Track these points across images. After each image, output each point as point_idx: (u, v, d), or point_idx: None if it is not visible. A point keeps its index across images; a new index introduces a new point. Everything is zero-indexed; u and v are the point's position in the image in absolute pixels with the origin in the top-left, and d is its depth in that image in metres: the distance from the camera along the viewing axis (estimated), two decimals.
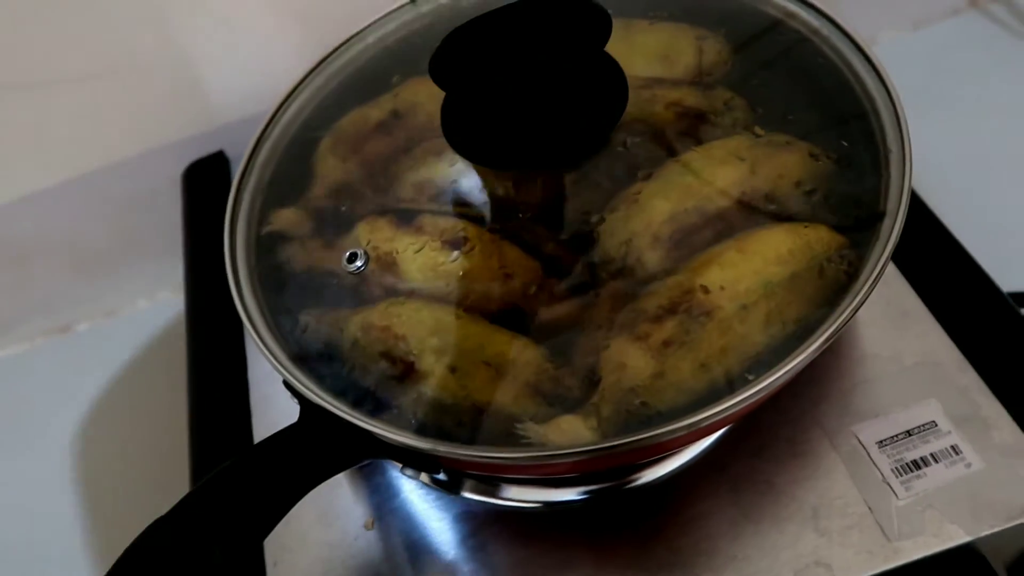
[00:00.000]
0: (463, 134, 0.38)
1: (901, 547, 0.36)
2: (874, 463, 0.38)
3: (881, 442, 0.38)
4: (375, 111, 0.45)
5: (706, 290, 0.34)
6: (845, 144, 0.38)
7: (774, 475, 0.38)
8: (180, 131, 0.58)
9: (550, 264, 0.37)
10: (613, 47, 0.37)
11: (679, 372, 0.34)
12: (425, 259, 0.38)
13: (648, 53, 0.43)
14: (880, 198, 0.35)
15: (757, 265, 0.35)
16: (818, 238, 0.35)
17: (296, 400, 0.36)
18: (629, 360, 0.34)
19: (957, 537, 0.36)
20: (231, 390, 0.47)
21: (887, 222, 0.34)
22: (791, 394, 0.40)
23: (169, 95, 0.57)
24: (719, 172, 0.38)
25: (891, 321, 0.42)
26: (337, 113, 0.45)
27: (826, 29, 0.41)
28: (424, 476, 0.39)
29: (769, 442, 0.39)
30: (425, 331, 0.36)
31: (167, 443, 0.58)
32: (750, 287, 0.34)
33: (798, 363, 0.31)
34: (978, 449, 0.38)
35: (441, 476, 0.39)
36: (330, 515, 0.40)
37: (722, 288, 0.35)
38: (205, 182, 0.59)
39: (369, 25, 0.47)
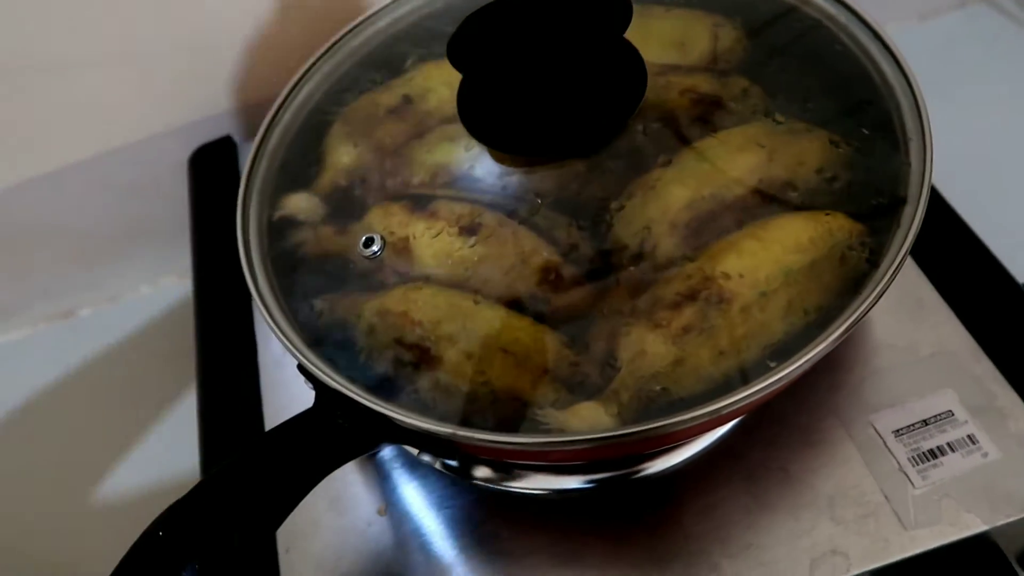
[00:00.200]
0: (480, 118, 0.38)
1: (918, 536, 0.36)
2: (891, 452, 0.38)
3: (898, 431, 0.38)
4: (387, 96, 0.44)
5: (725, 277, 0.34)
6: (864, 131, 0.37)
7: (789, 463, 0.38)
8: (187, 115, 0.58)
9: (567, 250, 0.37)
10: (629, 32, 0.37)
11: (698, 359, 0.33)
12: (440, 245, 0.38)
13: (663, 39, 0.43)
14: (900, 185, 0.35)
15: (776, 253, 0.35)
16: (838, 226, 0.35)
17: (311, 385, 0.35)
18: (648, 347, 0.34)
19: (974, 526, 0.36)
20: (241, 375, 0.46)
21: (908, 208, 0.34)
22: (806, 383, 0.40)
23: (176, 79, 0.56)
24: (737, 159, 0.37)
25: (906, 311, 0.42)
26: (348, 98, 0.45)
27: (842, 16, 0.41)
28: (438, 462, 0.39)
29: (784, 430, 0.39)
30: (442, 317, 0.36)
31: (171, 428, 0.58)
32: (769, 275, 0.34)
33: (822, 349, 0.31)
34: (994, 439, 0.38)
35: (453, 462, 0.39)
36: (343, 501, 0.40)
37: (741, 276, 0.34)
38: (212, 167, 0.59)
39: (380, 9, 0.47)
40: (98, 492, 0.56)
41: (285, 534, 0.40)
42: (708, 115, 0.39)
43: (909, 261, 0.44)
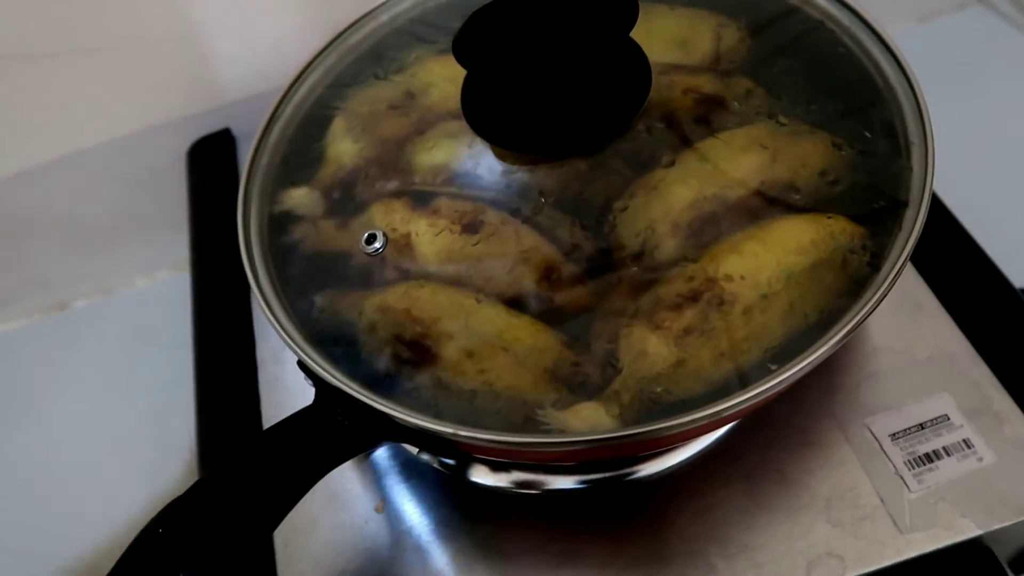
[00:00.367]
0: (483, 115, 0.38)
1: (913, 539, 0.36)
2: (887, 455, 0.38)
3: (894, 435, 0.38)
4: (389, 91, 0.44)
5: (727, 279, 0.34)
6: (867, 134, 0.38)
7: (786, 465, 0.38)
8: (186, 107, 0.58)
9: (568, 250, 0.37)
10: (632, 30, 0.37)
11: (699, 360, 0.34)
12: (442, 242, 0.38)
13: (666, 38, 0.43)
14: (902, 189, 0.35)
15: (778, 255, 0.35)
16: (840, 229, 0.35)
17: (311, 382, 0.35)
18: (649, 348, 0.34)
19: (969, 531, 0.36)
20: (239, 371, 0.46)
21: (909, 212, 0.34)
22: (804, 385, 0.40)
23: (176, 70, 0.56)
24: (740, 160, 0.37)
25: (904, 315, 0.42)
26: (350, 92, 0.44)
27: (845, 17, 0.41)
28: (436, 460, 0.39)
29: (781, 433, 0.39)
30: (443, 315, 0.36)
31: (164, 422, 0.57)
32: (771, 277, 0.34)
33: (823, 352, 0.31)
34: (990, 443, 0.38)
35: (450, 461, 0.39)
36: (340, 498, 0.40)
37: (743, 277, 0.34)
38: (211, 159, 0.58)
39: (382, 3, 0.47)
40: (90, 487, 0.55)
41: (283, 531, 0.39)
42: (711, 115, 0.39)
43: (908, 265, 0.44)
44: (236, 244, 0.52)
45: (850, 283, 0.34)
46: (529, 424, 0.33)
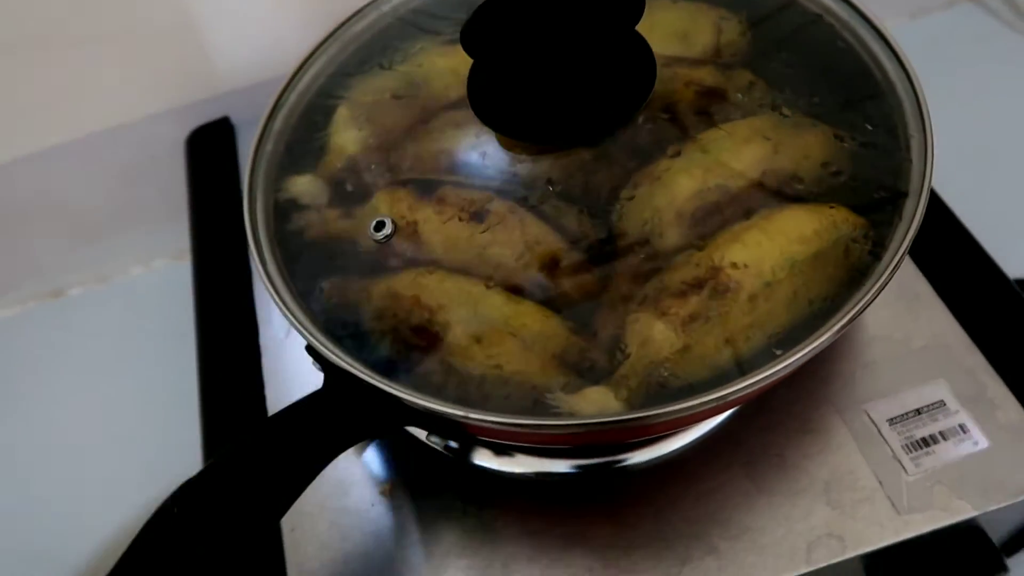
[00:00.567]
0: (489, 104, 0.38)
1: (911, 520, 0.37)
2: (885, 440, 0.39)
3: (891, 420, 0.39)
4: (392, 81, 0.44)
5: (731, 267, 0.35)
6: (867, 127, 0.38)
7: (786, 450, 0.39)
8: (184, 96, 0.57)
9: (574, 238, 0.37)
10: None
11: (704, 346, 0.34)
12: (449, 231, 0.38)
13: (667, 31, 0.44)
14: (901, 180, 0.36)
15: (781, 244, 0.36)
16: (842, 219, 0.36)
17: (320, 367, 0.35)
18: (656, 334, 0.34)
19: (965, 512, 0.37)
20: (243, 357, 0.46)
21: (910, 202, 0.35)
22: (803, 373, 0.41)
23: (175, 58, 0.56)
24: (743, 151, 0.38)
25: (902, 304, 0.43)
26: (354, 81, 0.45)
27: (843, 11, 0.42)
28: (443, 444, 0.39)
29: (781, 418, 0.40)
30: (451, 301, 0.36)
31: (161, 410, 0.57)
32: (774, 265, 0.35)
33: (828, 338, 0.32)
34: (985, 429, 0.39)
35: (455, 444, 0.39)
36: (346, 482, 0.41)
37: (746, 265, 0.35)
38: (210, 147, 0.58)
39: None
40: (84, 476, 0.55)
41: (290, 514, 0.39)
42: (713, 107, 0.40)
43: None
44: (237, 232, 0.52)
45: (852, 271, 0.35)
46: (538, 407, 0.33)
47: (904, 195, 0.36)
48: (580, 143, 0.38)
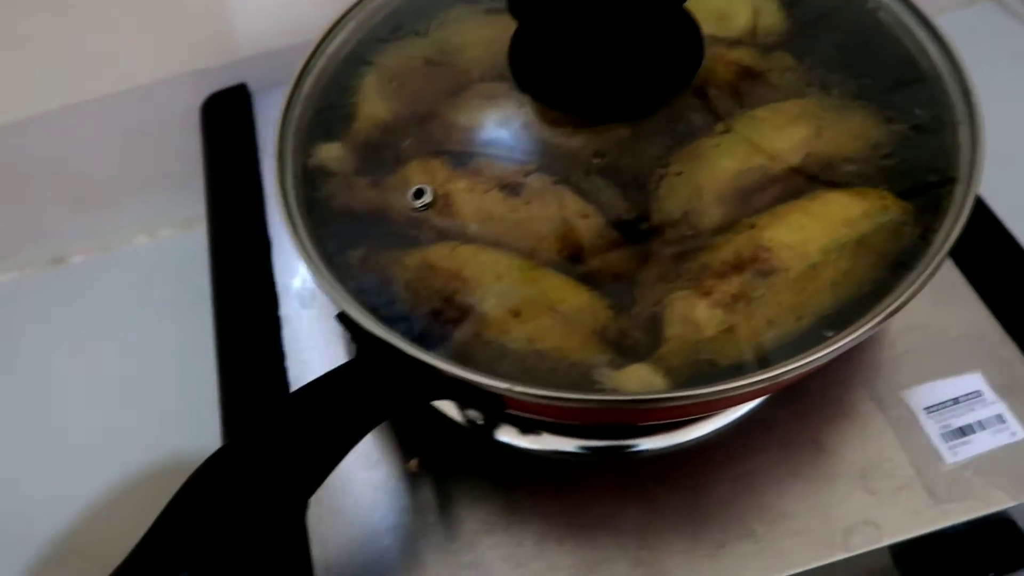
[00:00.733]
0: (532, 72, 0.37)
1: (948, 510, 0.36)
2: (922, 428, 0.38)
3: (929, 408, 0.39)
4: (425, 48, 0.43)
5: (775, 248, 0.34)
6: (915, 111, 0.38)
7: (822, 435, 0.39)
8: (200, 60, 0.56)
9: (613, 215, 0.36)
10: None
11: (747, 327, 0.34)
12: (484, 203, 0.37)
13: (705, 10, 0.43)
14: (950, 166, 0.36)
15: (826, 226, 0.35)
16: (887, 203, 0.36)
17: (351, 336, 0.34)
18: (698, 313, 0.34)
19: (1002, 502, 0.36)
20: (262, 327, 0.45)
21: (960, 187, 0.35)
22: (840, 358, 0.40)
23: (192, 21, 0.54)
24: (786, 132, 0.37)
25: (937, 295, 0.42)
26: (385, 48, 0.43)
27: None
28: (474, 421, 0.38)
29: (817, 404, 0.40)
30: (487, 275, 0.35)
31: (163, 382, 0.56)
32: (820, 247, 0.34)
33: (878, 321, 0.31)
34: (1022, 419, 0.38)
35: (479, 420, 0.38)
36: (373, 456, 0.40)
37: (791, 247, 0.34)
38: (226, 115, 0.57)
39: None
40: (83, 447, 0.54)
41: None
42: (753, 88, 0.39)
43: None
44: (254, 201, 0.52)
45: (897, 257, 0.34)
46: (575, 383, 0.33)
47: (953, 180, 0.35)
48: (624, 118, 0.38)
